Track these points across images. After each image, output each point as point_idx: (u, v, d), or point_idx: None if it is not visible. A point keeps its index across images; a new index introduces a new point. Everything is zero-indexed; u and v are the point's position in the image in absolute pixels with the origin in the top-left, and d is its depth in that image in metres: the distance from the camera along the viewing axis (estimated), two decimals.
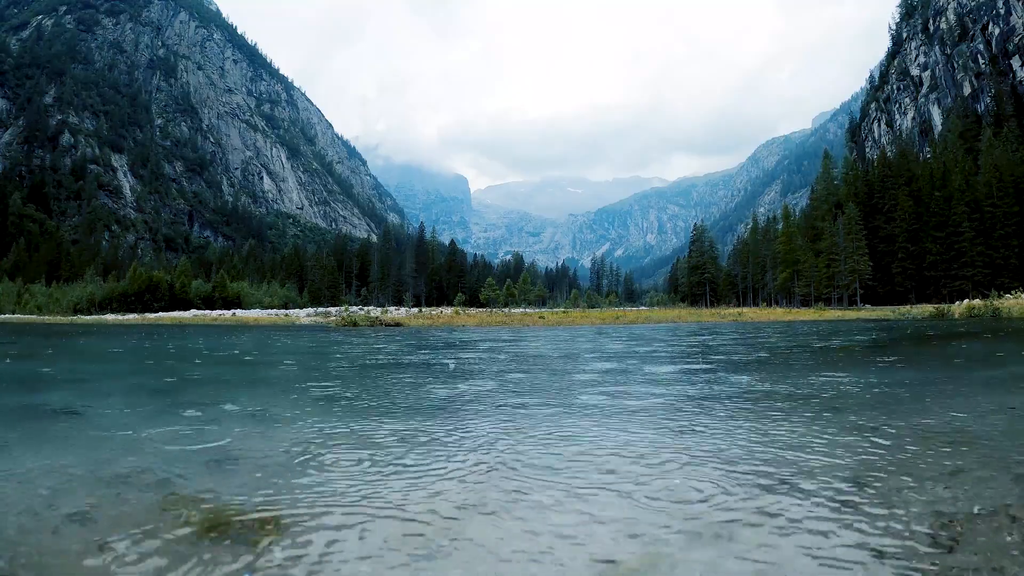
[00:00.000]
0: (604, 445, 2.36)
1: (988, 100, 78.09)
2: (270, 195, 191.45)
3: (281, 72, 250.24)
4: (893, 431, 2.55)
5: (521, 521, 1.50)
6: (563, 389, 4.19)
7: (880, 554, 1.26)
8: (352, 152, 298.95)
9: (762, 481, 1.82)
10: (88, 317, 44.74)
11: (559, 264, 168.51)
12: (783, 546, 1.31)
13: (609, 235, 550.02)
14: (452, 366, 3.59)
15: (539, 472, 1.97)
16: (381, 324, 21.65)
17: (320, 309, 46.30)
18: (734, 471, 1.94)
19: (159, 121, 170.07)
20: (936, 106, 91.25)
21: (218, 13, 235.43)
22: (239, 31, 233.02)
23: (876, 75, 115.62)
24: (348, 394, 4.11)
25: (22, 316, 48.09)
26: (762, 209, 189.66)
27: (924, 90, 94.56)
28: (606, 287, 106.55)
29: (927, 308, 30.66)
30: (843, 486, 1.75)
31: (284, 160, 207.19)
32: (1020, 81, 76.25)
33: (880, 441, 2.37)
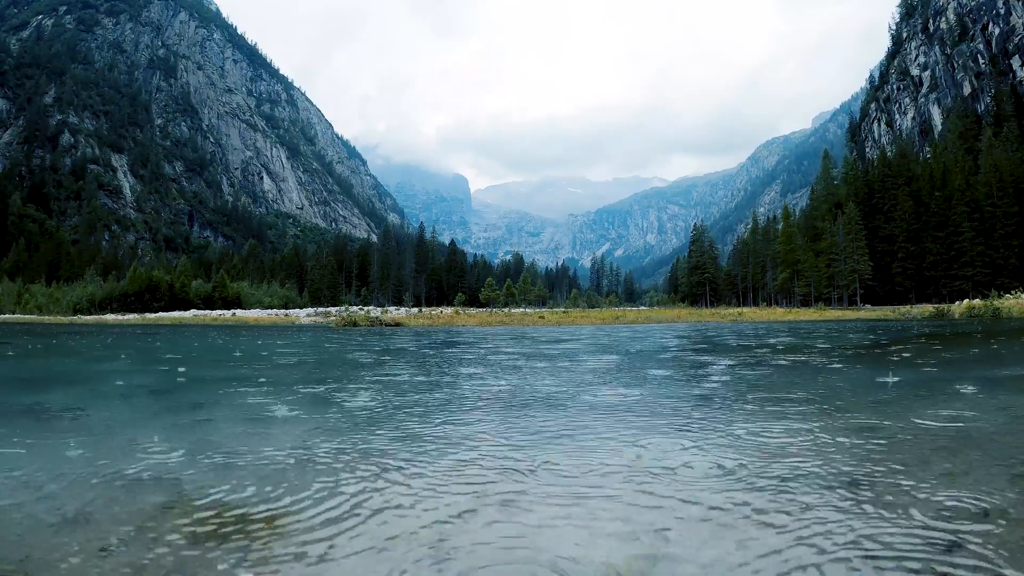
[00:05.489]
0: (605, 445, 2.37)
1: (988, 100, 78.00)
2: (270, 195, 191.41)
3: (281, 72, 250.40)
4: (893, 430, 2.55)
5: (522, 521, 1.50)
6: (566, 389, 4.19)
7: (880, 554, 1.26)
8: (352, 152, 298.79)
9: (761, 481, 1.82)
10: (88, 317, 44.74)
11: (559, 264, 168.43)
12: (783, 547, 1.32)
13: (609, 235, 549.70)
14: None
15: (540, 472, 1.97)
16: (381, 324, 21.64)
17: (320, 309, 46.29)
18: (734, 471, 1.94)
19: (159, 121, 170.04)
20: (936, 106, 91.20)
21: (218, 13, 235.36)
22: (239, 31, 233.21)
23: (876, 75, 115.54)
24: (348, 394, 4.11)
25: (22, 316, 48.08)
26: (762, 209, 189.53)
27: (924, 90, 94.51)
28: (606, 287, 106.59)
29: (927, 308, 30.66)
30: (843, 486, 1.75)
31: (284, 160, 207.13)
32: (1020, 81, 76.18)
33: (880, 441, 2.37)
